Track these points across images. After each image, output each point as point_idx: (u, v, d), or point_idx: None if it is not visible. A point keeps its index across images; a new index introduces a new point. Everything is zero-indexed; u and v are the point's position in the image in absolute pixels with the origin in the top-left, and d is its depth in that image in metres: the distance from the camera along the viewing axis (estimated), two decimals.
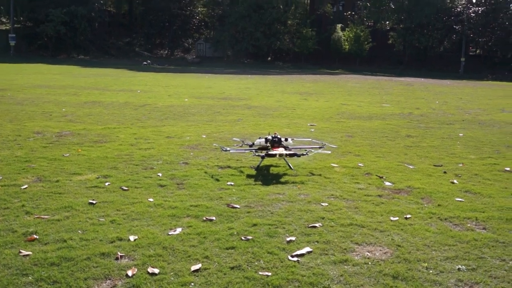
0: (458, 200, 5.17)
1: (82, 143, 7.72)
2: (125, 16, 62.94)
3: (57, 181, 5.46)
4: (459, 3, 52.69)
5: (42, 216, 4.30)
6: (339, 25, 53.58)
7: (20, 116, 10.50)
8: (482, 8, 50.96)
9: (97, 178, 5.65)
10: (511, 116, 13.75)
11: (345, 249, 3.81)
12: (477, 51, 58.08)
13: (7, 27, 53.45)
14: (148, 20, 56.20)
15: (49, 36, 49.15)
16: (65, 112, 11.34)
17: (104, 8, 57.45)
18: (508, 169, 6.77)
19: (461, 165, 6.98)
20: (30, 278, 3.20)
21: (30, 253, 3.55)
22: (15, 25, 50.53)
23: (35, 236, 3.84)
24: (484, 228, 4.36)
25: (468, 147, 8.54)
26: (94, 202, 4.74)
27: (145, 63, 45.78)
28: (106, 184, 5.40)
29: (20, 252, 3.56)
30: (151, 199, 4.89)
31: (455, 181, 6.01)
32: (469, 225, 4.43)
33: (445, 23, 51.27)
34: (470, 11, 51.42)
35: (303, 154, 6.42)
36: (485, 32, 51.11)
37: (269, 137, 6.55)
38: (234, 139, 8.24)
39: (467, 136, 9.79)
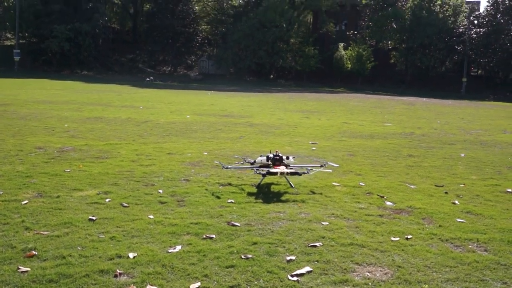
0: (459, 221, 5.14)
1: (83, 159, 7.73)
2: (129, 33, 63.55)
3: (58, 196, 5.45)
4: (461, 24, 53.11)
5: (42, 232, 4.29)
6: (341, 44, 53.99)
7: (22, 131, 10.53)
8: (484, 29, 51.34)
9: (98, 194, 5.65)
10: None
11: (345, 269, 3.78)
12: (479, 72, 58.32)
13: (12, 43, 53.98)
14: (151, 37, 56.71)
15: (53, 52, 49.62)
16: (68, 128, 11.38)
17: (108, 25, 58.12)
18: (509, 190, 6.74)
19: (462, 185, 6.96)
20: None
21: (28, 269, 3.53)
22: (20, 41, 51.04)
23: (34, 252, 3.83)
24: (485, 250, 4.33)
25: (469, 167, 8.53)
26: (94, 218, 4.73)
27: (148, 79, 46.06)
28: (107, 200, 5.39)
29: (18, 268, 3.54)
30: (151, 216, 4.88)
31: (456, 201, 5.98)
32: (470, 246, 4.41)
33: (447, 43, 51.64)
34: (472, 32, 51.79)
35: (304, 173, 6.41)
36: (487, 53, 51.40)
37: (271, 155, 6.55)
38: (236, 156, 8.24)
39: (469, 156, 9.78)
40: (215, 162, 7.79)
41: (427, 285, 3.54)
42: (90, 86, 30.89)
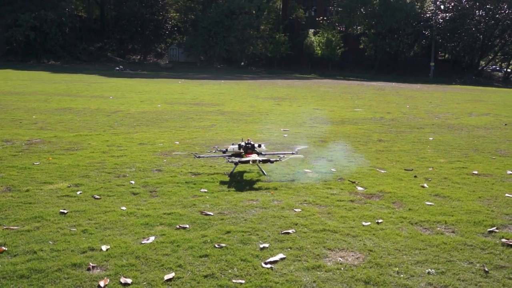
0: (428, 204, 5.27)
1: (53, 151, 7.60)
2: (96, 21, 62.32)
3: (27, 190, 5.36)
4: (428, 9, 53.87)
5: (11, 227, 4.22)
6: (311, 30, 54.15)
7: None
8: (450, 14, 52.22)
9: (69, 187, 5.57)
10: (478, 120, 14.08)
11: (318, 255, 3.84)
12: (446, 56, 59.40)
13: None
14: (120, 25, 55.72)
15: (18, 41, 48.28)
16: (36, 119, 11.15)
17: (75, 13, 56.78)
18: (476, 172, 6.93)
19: (431, 169, 7.12)
20: None
21: None
22: None
23: (3, 248, 3.77)
24: (453, 232, 4.46)
25: (438, 151, 8.71)
26: (65, 211, 4.67)
27: (117, 68, 45.36)
28: (78, 193, 5.33)
29: None
30: (123, 208, 4.84)
31: (425, 185, 6.12)
32: (438, 228, 4.53)
33: (415, 28, 52.37)
34: (439, 17, 52.61)
35: (276, 160, 6.45)
36: (453, 37, 52.37)
37: (242, 144, 6.57)
38: (208, 146, 8.23)
39: (437, 140, 9.99)
40: (176, 153, 7.75)
41: (397, 268, 3.63)
42: (58, 76, 30.24)
